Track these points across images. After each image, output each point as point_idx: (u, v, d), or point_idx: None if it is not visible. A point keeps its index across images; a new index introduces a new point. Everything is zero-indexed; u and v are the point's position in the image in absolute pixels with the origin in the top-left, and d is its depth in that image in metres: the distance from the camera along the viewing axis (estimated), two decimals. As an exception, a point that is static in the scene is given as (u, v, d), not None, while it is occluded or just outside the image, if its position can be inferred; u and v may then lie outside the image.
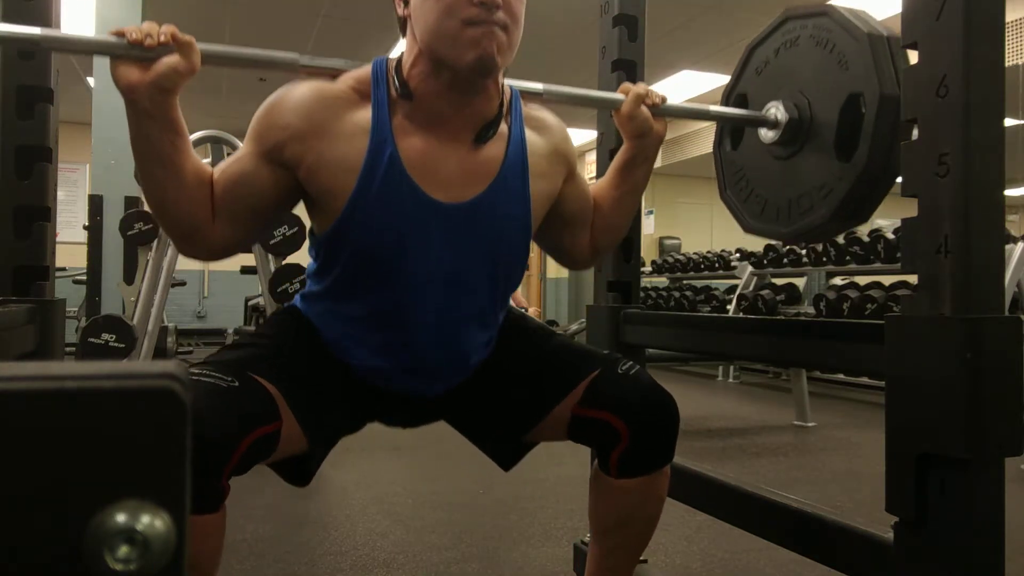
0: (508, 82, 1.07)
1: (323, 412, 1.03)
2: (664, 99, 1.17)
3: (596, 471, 1.12)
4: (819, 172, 1.15)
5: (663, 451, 1.07)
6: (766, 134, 1.23)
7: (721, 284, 6.03)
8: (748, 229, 1.33)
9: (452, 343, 1.06)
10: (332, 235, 1.00)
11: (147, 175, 0.94)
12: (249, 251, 3.41)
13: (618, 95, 1.16)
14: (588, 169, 9.81)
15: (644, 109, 1.14)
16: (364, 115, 0.97)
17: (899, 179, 0.86)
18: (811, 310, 4.25)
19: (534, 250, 11.14)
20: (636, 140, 1.17)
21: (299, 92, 0.98)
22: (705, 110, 1.26)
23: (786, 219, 1.22)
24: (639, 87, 1.15)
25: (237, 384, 0.89)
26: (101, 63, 4.11)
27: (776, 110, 1.21)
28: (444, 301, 1.03)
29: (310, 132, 0.96)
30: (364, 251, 0.99)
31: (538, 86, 1.12)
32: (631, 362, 1.11)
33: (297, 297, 1.13)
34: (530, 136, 1.08)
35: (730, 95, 1.35)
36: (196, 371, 0.90)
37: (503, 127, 1.05)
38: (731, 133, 1.37)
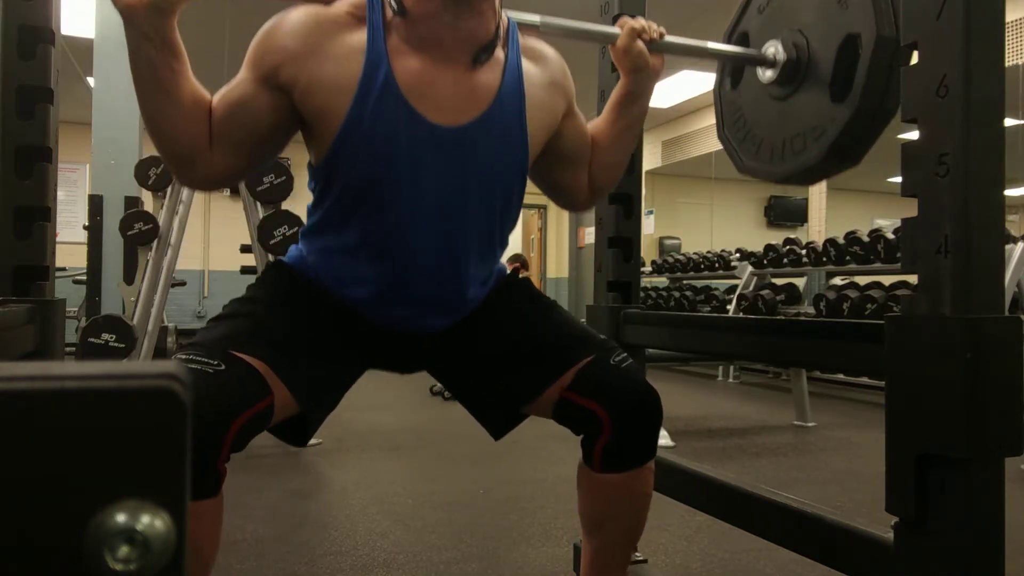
0: (505, 12, 1.07)
1: (316, 374, 1.02)
2: (662, 34, 1.16)
3: (581, 466, 1.13)
4: (813, 113, 1.14)
5: (645, 446, 1.09)
6: (764, 73, 1.23)
7: (721, 284, 6.03)
8: (742, 169, 1.32)
9: (449, 274, 1.06)
10: (328, 160, 1.00)
11: (146, 100, 0.94)
12: (249, 250, 3.41)
13: (614, 29, 1.16)
14: (588, 169, 9.81)
15: (639, 43, 1.14)
16: (359, 37, 0.98)
17: (899, 178, 0.86)
18: (811, 310, 4.25)
19: (534, 250, 11.07)
20: (632, 75, 1.17)
21: (294, 16, 0.98)
22: (703, 47, 1.24)
23: (780, 159, 1.21)
24: (636, 21, 1.15)
25: (223, 368, 0.89)
26: (101, 63, 4.11)
27: (774, 49, 1.20)
28: (440, 228, 1.02)
29: (305, 53, 0.96)
30: (359, 175, 0.99)
31: (535, 17, 1.11)
32: (624, 354, 1.12)
33: (292, 248, 1.13)
34: (527, 66, 1.07)
35: (732, 33, 1.34)
36: (183, 356, 0.91)
37: (500, 54, 1.04)
38: (731, 73, 1.36)
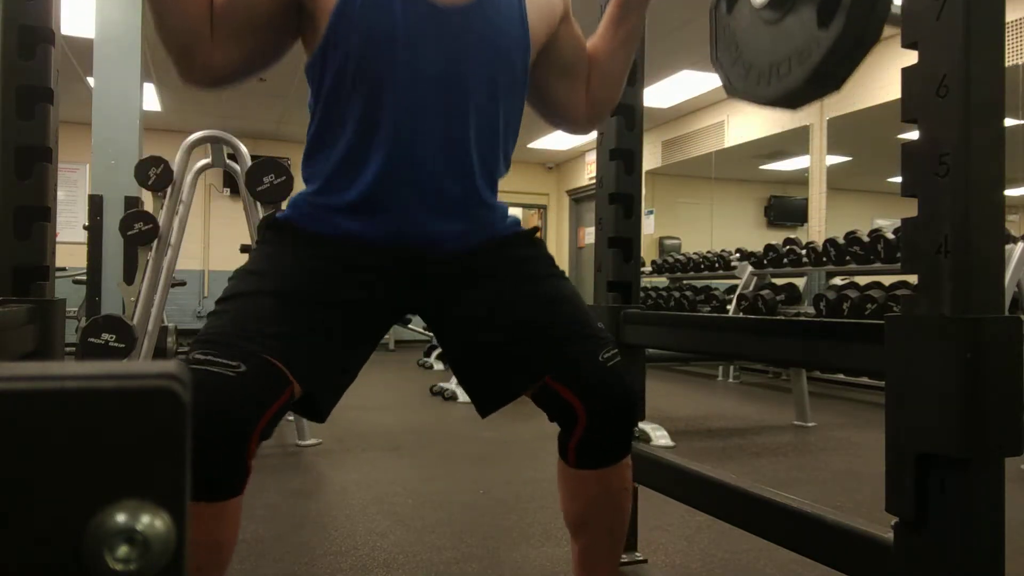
0: None
1: (327, 357, 1.01)
2: None
3: (559, 462, 1.14)
4: (800, 38, 1.16)
5: (618, 444, 1.09)
6: None
7: (721, 284, 6.03)
8: (731, 92, 1.35)
9: (455, 159, 1.04)
10: (324, 44, 1.00)
11: None
12: (249, 250, 3.40)
13: None
14: (588, 169, 9.81)
15: None
16: None
17: (899, 178, 0.86)
18: (811, 310, 4.25)
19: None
20: None
21: None
22: None
23: (766, 83, 1.24)
24: None
25: (243, 368, 0.90)
26: (101, 63, 4.11)
27: None
28: (442, 111, 1.02)
29: None
30: (356, 55, 0.99)
31: None
32: (615, 350, 1.12)
33: (290, 198, 1.11)
34: None
35: None
36: (201, 355, 0.91)
37: None
38: None
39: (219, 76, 1.03)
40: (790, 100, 1.22)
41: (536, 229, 1.22)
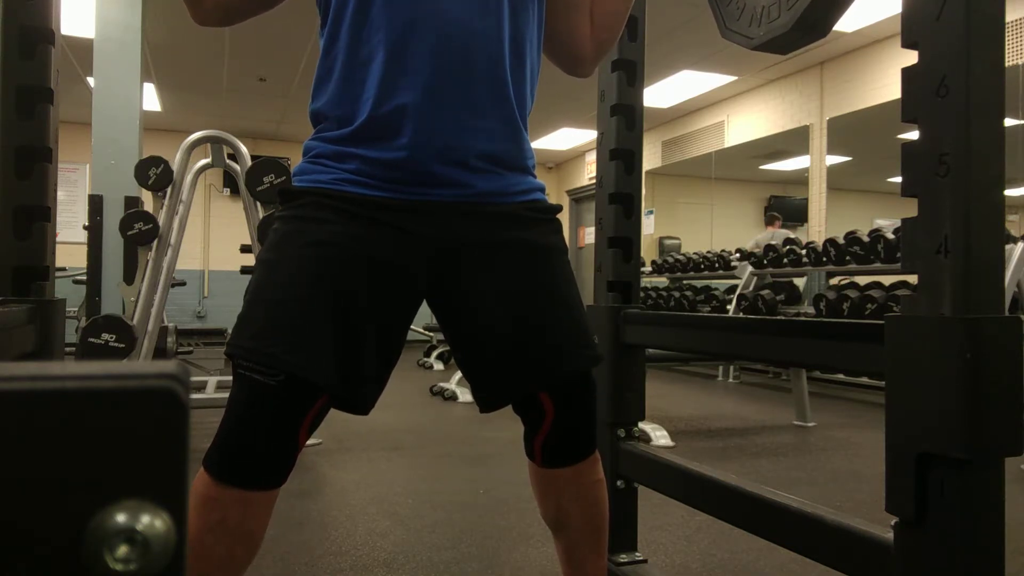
0: None
1: (354, 356, 0.99)
2: None
3: (529, 465, 1.15)
4: None
5: (585, 442, 1.11)
6: None
7: (721, 284, 6.03)
8: (724, 33, 1.38)
9: (477, 67, 1.01)
10: None
11: None
12: (249, 250, 3.40)
13: None
14: (588, 169, 9.81)
15: None
16: None
17: (899, 178, 0.86)
18: (811, 310, 4.25)
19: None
20: None
21: None
22: None
23: (756, 26, 1.25)
24: None
25: (283, 378, 0.93)
26: (101, 63, 4.11)
27: None
28: (458, 18, 0.99)
29: None
30: None
31: None
32: (597, 360, 1.12)
33: (299, 165, 1.08)
34: None
35: None
36: (245, 363, 0.94)
37: None
38: None
39: (226, 11, 1.05)
40: (777, 45, 1.24)
41: (559, 208, 1.19)
